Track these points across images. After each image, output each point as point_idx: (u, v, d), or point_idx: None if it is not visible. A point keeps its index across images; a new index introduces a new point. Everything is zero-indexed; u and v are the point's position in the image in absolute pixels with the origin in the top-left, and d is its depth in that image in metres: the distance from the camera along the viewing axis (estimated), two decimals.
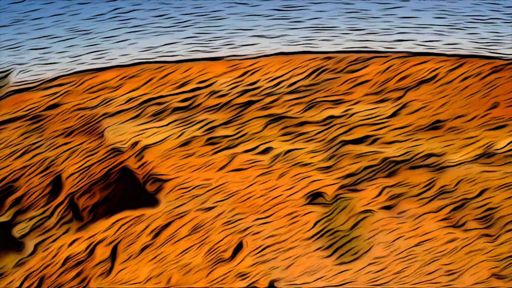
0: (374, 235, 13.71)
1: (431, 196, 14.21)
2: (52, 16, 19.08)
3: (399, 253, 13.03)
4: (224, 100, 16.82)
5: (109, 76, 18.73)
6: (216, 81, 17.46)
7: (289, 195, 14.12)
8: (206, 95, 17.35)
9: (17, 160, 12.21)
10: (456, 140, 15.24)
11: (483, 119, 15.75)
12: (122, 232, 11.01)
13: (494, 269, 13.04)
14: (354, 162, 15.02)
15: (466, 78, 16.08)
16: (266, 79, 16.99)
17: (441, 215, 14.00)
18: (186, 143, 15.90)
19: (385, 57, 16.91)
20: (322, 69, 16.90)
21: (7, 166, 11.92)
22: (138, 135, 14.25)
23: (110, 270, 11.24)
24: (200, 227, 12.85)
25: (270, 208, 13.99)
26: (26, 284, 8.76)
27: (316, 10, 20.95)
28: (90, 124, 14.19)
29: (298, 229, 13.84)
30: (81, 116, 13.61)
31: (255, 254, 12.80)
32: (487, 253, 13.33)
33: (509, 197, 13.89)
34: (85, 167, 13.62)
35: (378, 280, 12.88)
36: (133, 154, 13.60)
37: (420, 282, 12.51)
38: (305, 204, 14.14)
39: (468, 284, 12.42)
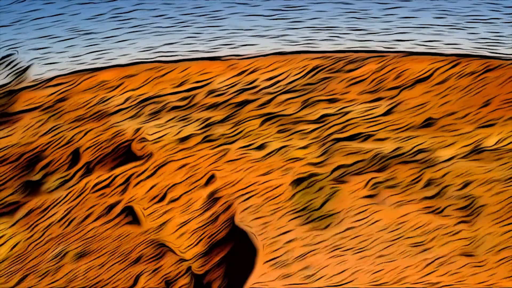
0: (344, 211, 14.17)
1: (415, 186, 14.47)
2: (52, 16, 19.14)
3: (366, 227, 13.36)
4: (221, 99, 16.87)
5: (109, 75, 18.83)
6: (214, 80, 17.50)
7: (276, 179, 14.56)
8: (204, 94, 17.42)
9: (42, 137, 14.02)
10: (447, 137, 15.33)
11: (475, 117, 15.76)
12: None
13: (464, 247, 13.33)
14: (346, 157, 15.23)
15: (460, 77, 16.04)
16: (263, 79, 17.01)
17: (422, 203, 14.21)
18: (184, 139, 16.37)
19: (381, 57, 16.88)
20: (319, 69, 16.89)
21: (35, 141, 13.69)
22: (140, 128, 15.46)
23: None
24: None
25: (252, 184, 14.55)
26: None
27: (316, 10, 20.88)
28: (98, 114, 15.38)
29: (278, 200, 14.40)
30: (89, 108, 15.06)
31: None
32: (457, 233, 13.55)
33: (489, 189, 14.09)
34: (98, 143, 15.36)
35: (340, 245, 13.32)
36: (135, 138, 14.98)
37: (383, 254, 12.99)
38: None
39: (430, 256, 12.86)
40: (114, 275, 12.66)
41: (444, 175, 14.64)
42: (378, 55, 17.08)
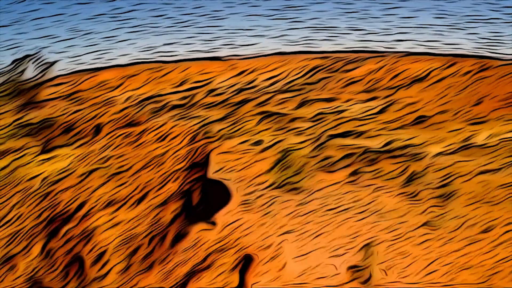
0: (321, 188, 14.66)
1: (399, 177, 14.85)
2: (52, 16, 19.13)
3: (336, 199, 13.92)
4: (220, 98, 16.95)
5: (109, 75, 18.87)
6: (214, 80, 17.55)
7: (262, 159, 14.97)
8: (204, 94, 17.51)
9: (70, 116, 15.41)
10: (437, 133, 15.53)
11: (466, 114, 15.92)
12: None
13: (432, 222, 14.02)
14: (336, 151, 15.52)
15: (455, 76, 16.16)
16: (262, 79, 17.08)
17: (400, 190, 14.67)
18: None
19: (379, 57, 16.94)
20: (318, 69, 16.97)
21: (65, 115, 14.94)
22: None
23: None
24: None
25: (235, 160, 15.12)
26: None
27: (316, 10, 20.86)
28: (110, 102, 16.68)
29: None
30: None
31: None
32: (426, 211, 14.16)
33: (467, 180, 14.47)
34: (116, 119, 16.40)
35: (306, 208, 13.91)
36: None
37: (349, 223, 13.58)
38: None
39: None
40: None
41: (427, 167, 14.94)
42: (377, 55, 17.13)
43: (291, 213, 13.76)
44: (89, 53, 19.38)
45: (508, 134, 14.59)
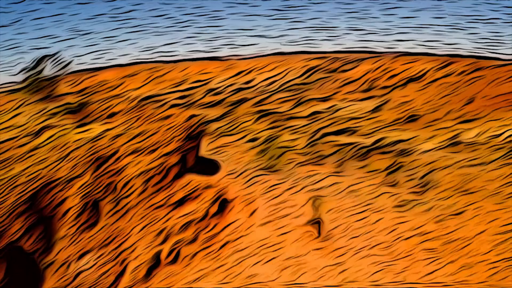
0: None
1: (385, 171, 15.15)
2: (52, 16, 19.15)
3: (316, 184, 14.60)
4: (219, 97, 17.01)
5: (109, 75, 18.94)
6: (213, 80, 17.59)
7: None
8: (203, 93, 17.59)
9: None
10: (427, 131, 15.66)
11: (457, 113, 16.02)
12: None
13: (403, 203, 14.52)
14: (328, 148, 15.73)
15: (449, 76, 16.20)
16: (260, 79, 17.12)
17: (382, 179, 15.02)
18: None
19: (376, 57, 16.95)
20: (315, 69, 17.00)
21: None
22: None
23: None
24: None
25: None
26: None
27: (316, 10, 20.82)
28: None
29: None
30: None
31: None
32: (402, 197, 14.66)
33: (449, 173, 14.74)
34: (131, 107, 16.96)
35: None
36: None
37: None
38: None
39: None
40: None
41: (412, 161, 15.16)
42: (374, 55, 17.14)
43: (270, 186, 14.78)
44: (89, 53, 19.38)
45: (496, 132, 14.70)
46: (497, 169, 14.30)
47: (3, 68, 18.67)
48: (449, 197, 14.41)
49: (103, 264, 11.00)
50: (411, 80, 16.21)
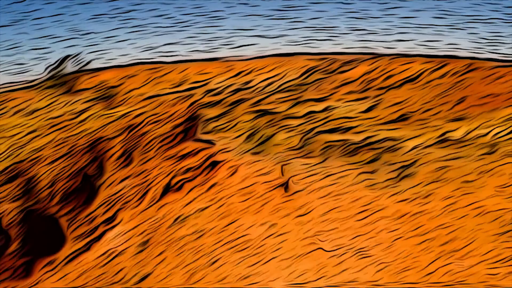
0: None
1: (370, 164, 15.48)
2: (52, 16, 19.16)
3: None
4: (218, 98, 17.08)
5: (109, 75, 18.98)
6: (212, 80, 17.61)
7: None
8: (202, 94, 17.67)
9: None
10: (417, 129, 15.81)
11: (448, 112, 16.12)
12: None
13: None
14: (322, 145, 16.01)
15: (443, 77, 16.25)
16: (259, 80, 17.15)
17: (361, 169, 15.40)
18: None
19: (374, 58, 16.97)
20: (313, 70, 17.03)
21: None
22: None
23: None
24: None
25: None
26: None
27: (316, 10, 20.81)
28: None
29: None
30: None
31: None
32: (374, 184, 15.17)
33: (426, 165, 15.01)
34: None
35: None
36: None
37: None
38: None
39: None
40: None
41: (396, 156, 15.43)
42: (372, 57, 17.14)
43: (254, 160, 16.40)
44: (89, 53, 19.42)
45: (484, 131, 14.82)
46: (476, 161, 14.66)
47: (3, 68, 18.67)
48: (420, 184, 14.89)
49: (134, 186, 15.11)
50: (407, 81, 16.27)
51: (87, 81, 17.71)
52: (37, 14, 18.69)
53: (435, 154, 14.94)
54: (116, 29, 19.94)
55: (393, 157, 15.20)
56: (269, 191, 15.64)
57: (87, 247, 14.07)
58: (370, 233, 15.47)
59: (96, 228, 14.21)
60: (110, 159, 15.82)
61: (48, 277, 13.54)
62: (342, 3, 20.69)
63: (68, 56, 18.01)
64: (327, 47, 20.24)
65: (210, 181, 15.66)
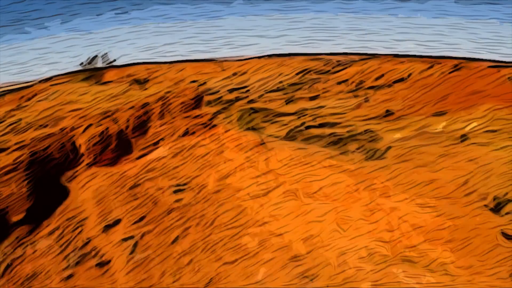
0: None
1: (353, 153, 15.59)
2: (52, 16, 19.23)
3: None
4: (215, 96, 17.11)
5: (109, 75, 19.05)
6: (209, 80, 17.60)
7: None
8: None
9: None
10: (399, 123, 15.85)
11: (430, 108, 16.12)
12: None
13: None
14: (308, 137, 16.10)
15: (430, 76, 16.23)
16: (254, 80, 17.13)
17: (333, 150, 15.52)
18: None
19: (367, 59, 16.93)
20: (308, 70, 17.03)
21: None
22: None
23: None
24: None
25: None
26: None
27: (316, 10, 20.81)
28: None
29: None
30: None
31: None
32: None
33: (396, 149, 15.06)
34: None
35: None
36: None
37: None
38: None
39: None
40: None
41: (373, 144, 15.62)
42: (366, 57, 17.09)
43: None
44: (90, 53, 19.48)
45: (462, 125, 14.90)
46: (442, 148, 14.79)
47: (3, 68, 18.75)
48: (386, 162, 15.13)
49: (168, 129, 19.16)
50: (397, 81, 16.28)
51: (115, 74, 20.26)
52: (37, 14, 18.78)
53: (411, 143, 15.14)
54: (116, 29, 19.98)
55: (369, 144, 15.52)
56: (256, 146, 15.86)
57: (143, 154, 19.72)
58: None
59: (148, 147, 19.32)
60: (152, 116, 19.26)
61: (126, 163, 19.33)
62: (342, 3, 20.67)
63: (97, 56, 20.53)
64: (327, 47, 20.18)
65: (211, 131, 18.22)
